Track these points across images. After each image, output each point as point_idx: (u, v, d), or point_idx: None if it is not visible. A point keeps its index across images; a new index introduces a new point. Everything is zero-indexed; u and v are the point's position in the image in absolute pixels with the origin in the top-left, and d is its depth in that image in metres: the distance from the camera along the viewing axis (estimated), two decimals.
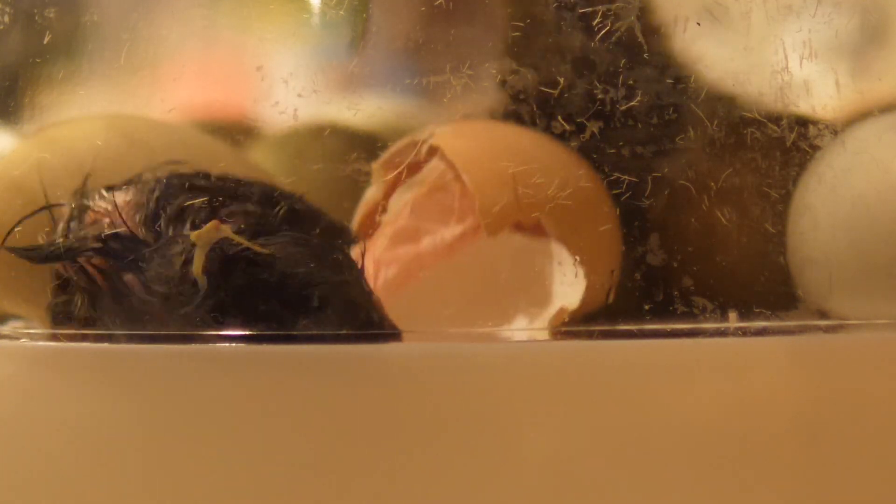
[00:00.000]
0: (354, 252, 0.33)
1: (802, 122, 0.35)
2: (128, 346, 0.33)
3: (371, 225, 0.35)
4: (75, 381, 0.33)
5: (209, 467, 0.33)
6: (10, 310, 0.36)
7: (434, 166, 0.34)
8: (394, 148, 0.35)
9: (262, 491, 0.32)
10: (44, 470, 0.33)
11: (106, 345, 0.33)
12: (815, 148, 0.35)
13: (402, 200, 0.35)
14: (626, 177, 0.35)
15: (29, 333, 0.35)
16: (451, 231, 0.34)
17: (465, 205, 0.34)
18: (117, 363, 0.33)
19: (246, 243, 0.32)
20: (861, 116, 0.35)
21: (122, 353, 0.33)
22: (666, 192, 0.35)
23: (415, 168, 0.35)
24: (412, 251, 0.34)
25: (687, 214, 0.35)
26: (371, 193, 0.35)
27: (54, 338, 0.34)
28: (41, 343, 0.34)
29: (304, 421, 0.32)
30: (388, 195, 0.35)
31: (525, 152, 0.34)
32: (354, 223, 0.35)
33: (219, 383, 0.33)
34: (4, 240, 0.34)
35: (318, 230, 0.33)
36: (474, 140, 0.34)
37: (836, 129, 0.35)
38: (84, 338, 0.34)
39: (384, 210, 0.35)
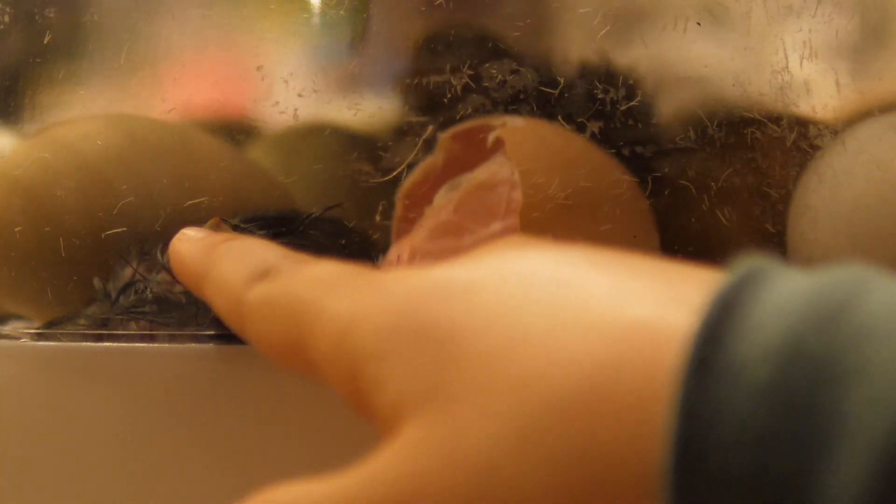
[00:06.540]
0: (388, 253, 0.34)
1: (802, 122, 0.35)
2: (128, 346, 0.33)
3: (421, 189, 0.35)
4: (75, 381, 0.33)
5: (209, 466, 0.33)
6: (10, 310, 0.36)
7: (489, 166, 0.34)
8: (467, 124, 0.35)
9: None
10: (44, 468, 0.33)
11: (106, 345, 0.33)
12: (815, 148, 0.35)
13: (448, 195, 0.34)
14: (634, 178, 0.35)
15: (29, 333, 0.35)
16: (490, 231, 0.34)
17: (511, 207, 0.34)
18: (118, 363, 0.33)
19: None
20: (861, 116, 0.35)
21: (123, 353, 0.33)
22: (666, 192, 0.35)
23: (479, 152, 0.34)
24: (451, 246, 0.34)
25: (687, 214, 0.35)
26: (431, 160, 0.35)
27: (54, 338, 0.34)
28: (41, 343, 0.34)
29: (308, 421, 0.32)
30: (446, 167, 0.35)
31: (583, 168, 0.34)
32: (407, 183, 0.35)
33: (219, 383, 0.33)
34: None
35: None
36: (540, 145, 0.34)
37: (836, 129, 0.35)
38: (84, 338, 0.34)
39: (432, 193, 0.35)
